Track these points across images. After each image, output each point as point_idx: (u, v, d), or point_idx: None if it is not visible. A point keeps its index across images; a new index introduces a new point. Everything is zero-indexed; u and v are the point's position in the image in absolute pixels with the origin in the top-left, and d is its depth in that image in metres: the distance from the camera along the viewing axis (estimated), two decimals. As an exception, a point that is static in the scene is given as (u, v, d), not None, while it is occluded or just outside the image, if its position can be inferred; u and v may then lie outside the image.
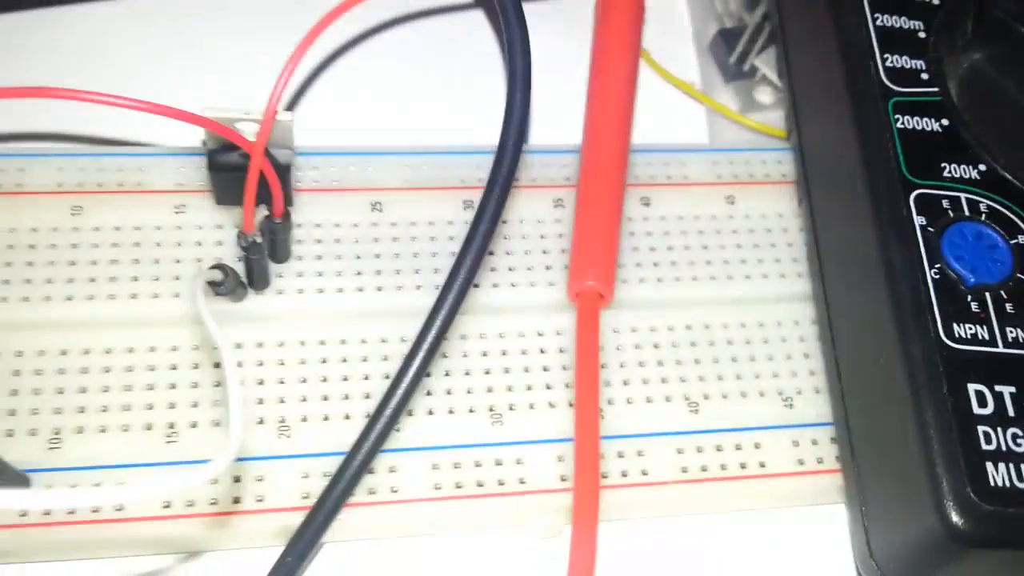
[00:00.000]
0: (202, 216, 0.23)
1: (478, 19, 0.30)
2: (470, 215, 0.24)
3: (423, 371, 0.20)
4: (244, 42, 0.28)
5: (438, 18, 0.29)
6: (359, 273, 0.23)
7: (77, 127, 0.26)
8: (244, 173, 0.20)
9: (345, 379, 0.22)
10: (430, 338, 0.20)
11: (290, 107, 0.27)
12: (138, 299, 0.22)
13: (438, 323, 0.20)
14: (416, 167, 0.25)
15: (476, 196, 0.25)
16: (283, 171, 0.21)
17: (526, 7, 0.22)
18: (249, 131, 0.20)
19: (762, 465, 0.22)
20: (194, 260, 0.23)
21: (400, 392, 0.20)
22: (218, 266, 0.21)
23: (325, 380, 0.22)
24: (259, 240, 0.21)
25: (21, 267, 0.22)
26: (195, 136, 0.25)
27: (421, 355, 0.20)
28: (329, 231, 0.23)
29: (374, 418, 0.20)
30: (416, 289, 0.23)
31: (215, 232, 0.23)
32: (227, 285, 0.21)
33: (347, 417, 0.21)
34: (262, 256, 0.22)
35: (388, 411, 0.20)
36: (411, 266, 0.23)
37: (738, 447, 0.22)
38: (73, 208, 0.23)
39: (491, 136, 0.26)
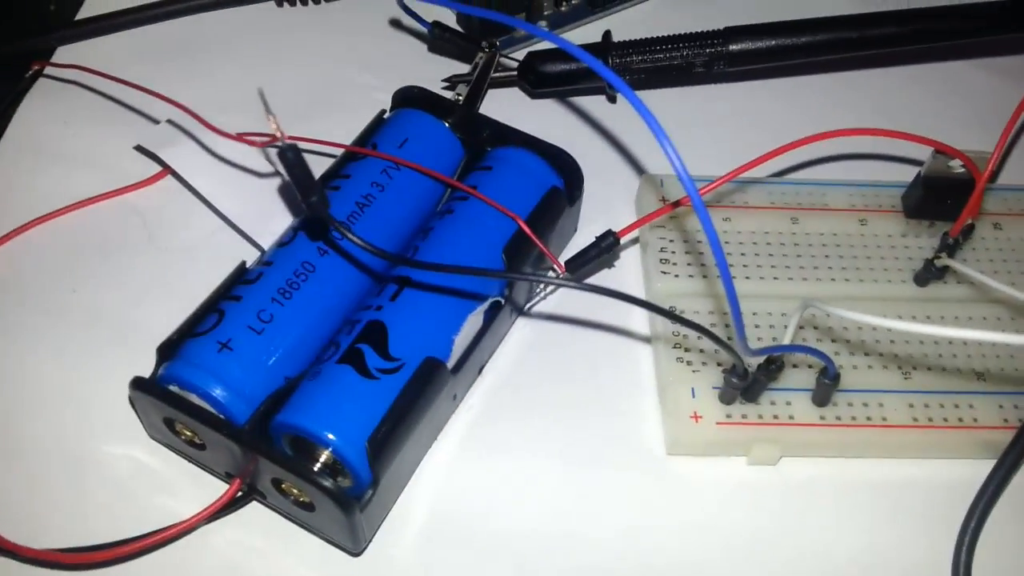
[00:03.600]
0: (881, 227, 0.32)
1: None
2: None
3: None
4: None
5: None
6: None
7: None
8: (951, 193, 0.29)
9: None
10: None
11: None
12: (850, 283, 0.31)
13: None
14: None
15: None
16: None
17: None
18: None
19: None
20: (879, 257, 0.32)
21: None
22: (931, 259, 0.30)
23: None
24: (961, 240, 0.30)
25: (764, 256, 0.32)
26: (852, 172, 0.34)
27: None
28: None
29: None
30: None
31: (896, 239, 0.32)
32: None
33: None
34: (954, 254, 0.30)
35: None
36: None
37: None
38: (792, 219, 0.32)
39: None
